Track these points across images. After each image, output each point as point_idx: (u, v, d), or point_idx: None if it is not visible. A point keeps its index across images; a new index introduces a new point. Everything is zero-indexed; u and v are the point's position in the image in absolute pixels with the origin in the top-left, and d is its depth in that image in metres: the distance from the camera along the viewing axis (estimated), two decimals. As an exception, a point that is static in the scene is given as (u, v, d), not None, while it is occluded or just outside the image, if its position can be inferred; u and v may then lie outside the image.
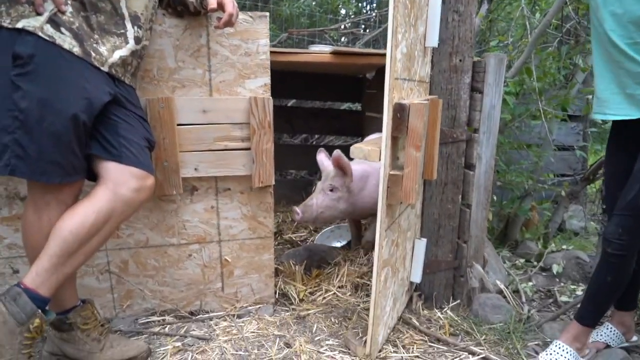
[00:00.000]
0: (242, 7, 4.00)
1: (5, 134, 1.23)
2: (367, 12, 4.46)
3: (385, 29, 3.98)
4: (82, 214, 1.32)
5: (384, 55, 2.49)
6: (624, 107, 1.48)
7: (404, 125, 1.37)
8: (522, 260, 2.77)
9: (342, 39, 3.93)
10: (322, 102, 3.86)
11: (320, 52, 2.47)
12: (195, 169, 1.74)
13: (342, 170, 2.05)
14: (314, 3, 4.03)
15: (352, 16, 4.52)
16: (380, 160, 1.34)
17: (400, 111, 1.36)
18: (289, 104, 3.72)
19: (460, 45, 1.90)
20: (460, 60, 1.91)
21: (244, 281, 1.94)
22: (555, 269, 2.51)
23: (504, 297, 2.14)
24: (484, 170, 2.02)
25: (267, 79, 1.77)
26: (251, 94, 1.75)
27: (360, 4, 4.44)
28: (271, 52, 2.30)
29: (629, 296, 1.76)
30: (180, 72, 1.68)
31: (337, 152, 2.01)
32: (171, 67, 1.67)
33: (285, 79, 2.94)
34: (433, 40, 1.74)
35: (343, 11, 4.32)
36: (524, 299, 2.20)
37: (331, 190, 2.05)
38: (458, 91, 1.94)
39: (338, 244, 2.56)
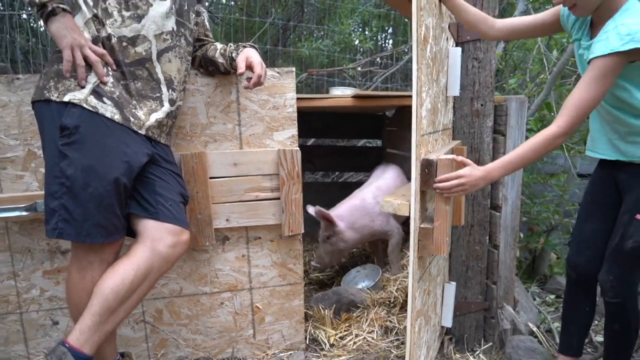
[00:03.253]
0: (263, 51, 4.14)
1: (53, 199, 1.30)
2: (383, 44, 4.55)
3: (403, 66, 4.06)
4: (122, 272, 1.37)
5: (403, 97, 2.58)
6: (610, 151, 1.53)
7: (432, 180, 1.40)
8: (553, 297, 2.72)
9: (360, 78, 4.02)
10: (342, 140, 3.94)
11: (342, 96, 2.54)
12: (227, 220, 1.79)
13: (327, 220, 2.35)
14: (331, 42, 4.14)
15: (369, 50, 4.64)
16: (410, 214, 1.37)
17: (428, 167, 1.40)
18: (309, 143, 3.79)
19: (481, 91, 1.94)
20: (481, 105, 1.95)
21: (274, 327, 1.96)
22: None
23: (537, 338, 2.11)
24: (510, 211, 2.02)
25: (294, 131, 1.83)
26: (279, 145, 1.82)
27: (377, 37, 4.55)
28: (297, 99, 2.41)
29: (575, 338, 1.74)
30: (211, 127, 1.76)
31: (315, 209, 2.33)
32: (203, 122, 1.75)
33: (305, 119, 3.02)
34: (455, 90, 1.78)
35: (359, 45, 4.43)
36: (557, 340, 2.15)
37: (328, 238, 2.36)
38: (481, 135, 1.97)
39: (365, 284, 2.56)
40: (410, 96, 2.54)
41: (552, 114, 2.72)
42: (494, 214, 2.04)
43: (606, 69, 1.28)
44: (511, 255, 2.08)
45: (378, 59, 3.99)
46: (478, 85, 1.94)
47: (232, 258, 1.87)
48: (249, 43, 1.66)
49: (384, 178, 2.65)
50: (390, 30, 4.78)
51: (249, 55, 1.54)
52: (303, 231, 1.86)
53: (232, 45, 1.68)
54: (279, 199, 1.81)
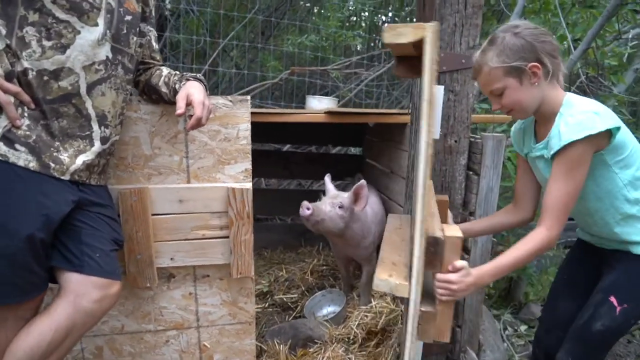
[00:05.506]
0: (242, 50, 3.95)
1: None
2: (376, 42, 4.34)
3: (390, 68, 3.86)
4: (39, 333, 1.25)
5: (381, 114, 2.43)
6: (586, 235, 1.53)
7: (437, 260, 1.23)
8: (525, 327, 2.64)
9: (344, 80, 3.83)
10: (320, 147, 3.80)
11: (313, 112, 2.39)
12: (172, 259, 1.66)
13: (357, 197, 2.14)
14: (318, 38, 3.93)
15: (359, 48, 4.43)
16: (409, 296, 1.22)
17: (435, 245, 1.21)
18: (285, 149, 3.64)
19: (455, 126, 1.80)
20: (455, 141, 1.81)
21: (223, 366, 1.86)
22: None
23: (501, 382, 2.02)
24: (480, 254, 1.91)
25: (247, 164, 1.69)
26: (231, 180, 1.67)
27: (369, 35, 4.32)
28: (263, 113, 2.26)
29: None
30: (156, 159, 1.61)
31: (363, 182, 2.13)
32: (147, 154, 1.60)
33: (283, 124, 2.87)
34: (436, 133, 1.63)
35: (347, 43, 4.22)
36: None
37: (340, 207, 2.10)
38: (453, 173, 1.83)
39: (330, 309, 2.47)
40: (389, 114, 2.42)
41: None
42: (462, 256, 1.92)
43: (573, 160, 1.25)
44: (478, 298, 1.97)
45: (366, 60, 3.79)
46: (453, 119, 1.80)
47: (178, 296, 1.75)
48: (194, 75, 1.50)
49: (371, 203, 2.50)
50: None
51: (190, 92, 1.38)
52: (253, 273, 1.74)
53: (176, 74, 1.52)
54: (227, 237, 1.68)
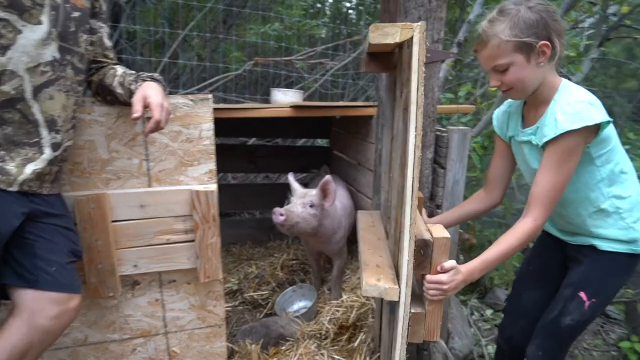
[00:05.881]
0: (203, 40, 3.82)
1: None
2: (339, 30, 4.29)
3: (356, 58, 3.83)
4: (-7, 354, 1.18)
5: (347, 107, 2.40)
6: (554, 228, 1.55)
7: (427, 262, 1.24)
8: (490, 312, 2.72)
9: (309, 70, 3.78)
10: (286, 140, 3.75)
11: (279, 106, 2.34)
12: (135, 266, 1.60)
13: (325, 193, 2.11)
14: (282, 27, 3.85)
15: (323, 36, 4.37)
16: (399, 299, 1.22)
17: (424, 247, 1.23)
18: (250, 142, 3.57)
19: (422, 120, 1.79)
20: (422, 136, 1.80)
21: (194, 371, 1.83)
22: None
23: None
24: (448, 246, 1.93)
25: (211, 165, 1.63)
26: (195, 182, 1.62)
27: (336, 24, 4.27)
28: (226, 109, 2.19)
29: None
30: (114, 162, 1.54)
31: (329, 177, 2.08)
32: (104, 158, 1.52)
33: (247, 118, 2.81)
34: None
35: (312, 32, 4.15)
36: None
37: (311, 206, 2.07)
38: (420, 167, 1.83)
39: (301, 304, 2.46)
40: (354, 107, 2.40)
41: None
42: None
43: (565, 150, 1.22)
44: (447, 289, 2.00)
45: (330, 50, 3.74)
46: (418, 114, 1.79)
47: (144, 303, 1.69)
48: (151, 75, 1.42)
49: (339, 196, 2.49)
50: (353, 15, 4.50)
51: (146, 94, 1.31)
52: (222, 276, 1.70)
53: (132, 74, 1.44)
54: (193, 241, 1.63)
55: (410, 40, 1.06)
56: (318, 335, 2.05)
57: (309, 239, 2.30)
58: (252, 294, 2.54)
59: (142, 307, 1.69)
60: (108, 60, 1.51)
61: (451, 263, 1.23)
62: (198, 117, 1.59)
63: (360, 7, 4.21)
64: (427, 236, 1.22)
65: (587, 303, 1.36)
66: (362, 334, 1.96)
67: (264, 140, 3.80)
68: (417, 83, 1.05)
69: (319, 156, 3.39)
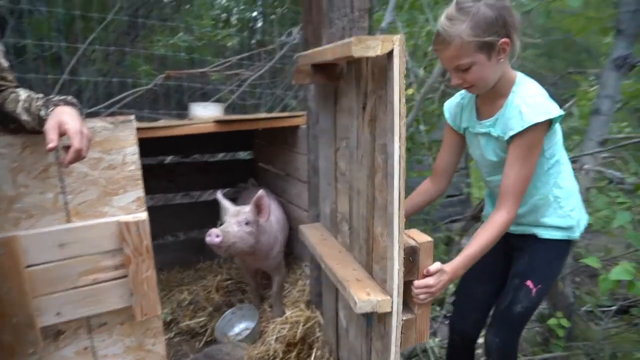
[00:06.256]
0: (104, 53, 3.55)
1: None
2: (251, 42, 4.22)
3: (273, 67, 3.80)
4: None
5: (273, 119, 2.36)
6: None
7: (415, 268, 1.24)
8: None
9: (225, 82, 3.66)
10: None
11: (202, 122, 2.23)
12: (58, 314, 1.41)
13: (260, 209, 2.04)
14: (192, 38, 3.69)
15: (231, 45, 4.27)
16: (392, 310, 1.22)
17: (412, 254, 1.22)
18: (167, 161, 3.38)
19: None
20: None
21: (135, 419, 1.66)
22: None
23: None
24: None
25: (139, 192, 1.50)
26: (121, 212, 1.47)
27: (245, 34, 4.18)
28: (147, 129, 2.04)
29: None
30: (23, 199, 1.34)
31: (262, 192, 2.03)
32: (10, 195, 1.33)
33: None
34: None
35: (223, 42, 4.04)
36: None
37: (246, 224, 1.99)
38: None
39: (242, 325, 2.36)
40: (280, 118, 2.37)
41: (420, 126, 2.76)
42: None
43: (531, 142, 1.27)
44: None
45: (245, 61, 3.66)
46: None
47: (70, 354, 1.50)
48: (64, 98, 1.26)
49: (273, 210, 2.42)
50: (260, 24, 4.45)
51: (62, 120, 1.15)
52: (160, 312, 1.57)
53: (39, 98, 1.27)
54: (125, 277, 1.48)
55: (390, 53, 1.08)
56: (266, 357, 1.98)
57: (246, 257, 2.22)
58: (188, 322, 2.38)
59: (68, 359, 1.50)
60: (6, 83, 1.32)
61: (436, 265, 1.26)
62: (120, 141, 1.45)
63: (272, 17, 4.19)
64: (412, 242, 1.24)
65: (534, 290, 1.45)
66: (314, 349, 1.92)
67: (179, 157, 3.61)
68: (399, 94, 1.07)
69: (242, 170, 3.30)
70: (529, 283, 1.46)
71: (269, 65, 3.66)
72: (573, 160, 1.92)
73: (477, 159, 1.53)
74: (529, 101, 1.27)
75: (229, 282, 2.76)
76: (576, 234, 1.50)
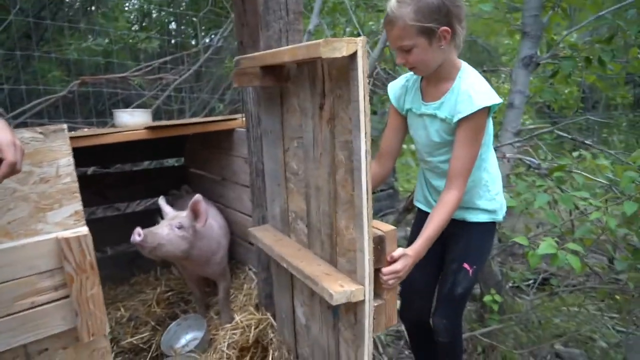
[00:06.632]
0: (5, 58, 3.24)
1: None
2: (170, 44, 4.07)
3: (196, 71, 3.71)
4: None
5: (207, 123, 2.31)
6: (426, 204, 1.71)
7: (383, 255, 1.30)
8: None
9: (147, 87, 3.50)
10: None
11: (133, 128, 2.13)
12: (-9, 345, 1.28)
13: (196, 213, 2.00)
14: (106, 41, 3.47)
15: (157, 50, 4.10)
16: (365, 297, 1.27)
17: (380, 243, 1.28)
18: (90, 172, 3.16)
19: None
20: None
21: None
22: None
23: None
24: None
25: (77, 205, 1.40)
26: (59, 228, 1.37)
27: (164, 37, 4.01)
28: (75, 138, 1.91)
29: None
30: (-59, 222, 1.20)
31: (198, 196, 1.99)
32: None
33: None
34: None
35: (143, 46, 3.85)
36: (381, 349, 2.31)
37: (179, 228, 1.95)
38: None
39: (189, 336, 2.28)
40: (216, 121, 2.33)
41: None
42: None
43: (478, 125, 1.37)
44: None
45: (168, 65, 3.53)
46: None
47: (6, 388, 1.37)
48: (-11, 107, 1.15)
49: (213, 215, 2.36)
50: (173, 25, 4.30)
51: (-11, 133, 1.06)
52: (108, 330, 1.48)
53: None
54: (67, 297, 1.38)
55: (354, 54, 1.12)
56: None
57: (186, 264, 2.16)
58: (130, 339, 2.26)
59: (4, 394, 1.36)
60: None
61: (399, 251, 1.33)
62: (52, 152, 1.34)
63: (194, 19, 4.07)
64: (379, 232, 1.30)
65: (470, 271, 1.58)
66: (270, 351, 1.91)
67: (100, 168, 3.39)
68: (363, 92, 1.12)
69: (173, 177, 3.18)
70: (466, 265, 1.57)
71: (194, 68, 3.57)
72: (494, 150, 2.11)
73: (418, 139, 1.58)
74: (477, 87, 1.37)
75: (170, 293, 2.66)
76: (500, 217, 1.63)
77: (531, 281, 2.81)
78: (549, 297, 2.56)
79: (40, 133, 1.32)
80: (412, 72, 1.53)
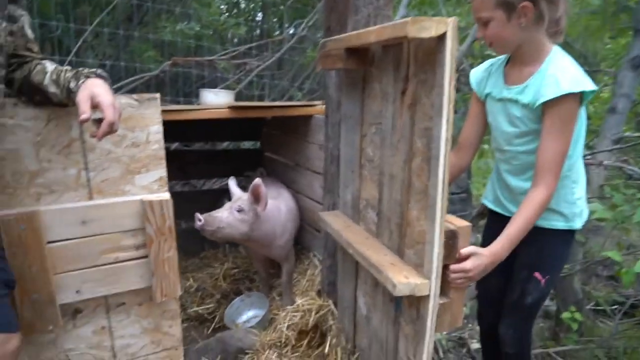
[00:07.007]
0: (109, 37, 3.50)
1: None
2: (257, 33, 4.20)
3: (279, 58, 3.78)
4: None
5: (286, 107, 2.34)
6: (497, 203, 1.58)
7: (455, 252, 1.23)
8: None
9: (233, 71, 3.63)
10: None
11: (216, 107, 2.21)
12: (78, 292, 1.39)
13: (257, 197, 2.03)
14: (199, 26, 3.65)
15: (243, 37, 4.24)
16: (430, 293, 1.22)
17: (452, 238, 1.21)
18: (173, 147, 3.34)
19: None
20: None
21: (148, 402, 1.64)
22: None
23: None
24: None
25: (162, 172, 1.48)
26: (144, 191, 1.45)
27: (252, 24, 4.15)
28: (168, 111, 2.01)
29: None
30: (45, 174, 1.32)
31: (258, 180, 2.01)
32: (32, 169, 1.30)
33: (170, 121, 2.61)
34: None
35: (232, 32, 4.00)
36: (441, 354, 2.22)
37: (239, 211, 2.00)
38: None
39: (251, 313, 2.35)
40: (297, 106, 2.35)
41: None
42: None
43: (567, 113, 1.23)
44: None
45: (254, 50, 3.64)
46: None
47: (88, 333, 1.48)
48: (94, 70, 1.24)
49: (285, 199, 2.40)
50: (259, 17, 4.42)
51: (94, 93, 1.13)
52: (180, 293, 1.55)
53: (68, 70, 1.24)
54: (146, 257, 1.46)
55: (442, 35, 1.06)
56: (278, 344, 1.97)
57: (250, 245, 2.21)
58: (196, 308, 2.37)
59: (85, 338, 1.48)
60: (32, 54, 1.29)
61: (469, 249, 1.24)
62: (144, 119, 1.43)
63: (281, 7, 4.16)
64: (451, 227, 1.24)
65: (542, 281, 1.45)
66: (329, 337, 1.91)
67: (182, 145, 3.57)
68: (449, 77, 1.06)
69: (249, 159, 3.27)
70: (537, 275, 1.45)
71: (277, 55, 3.64)
72: (588, 157, 1.93)
73: (496, 125, 1.46)
74: (566, 72, 1.24)
75: (236, 270, 2.75)
76: (577, 224, 1.45)
77: (616, 306, 2.55)
78: (638, 325, 2.31)
79: (135, 100, 1.41)
80: (497, 57, 1.43)
